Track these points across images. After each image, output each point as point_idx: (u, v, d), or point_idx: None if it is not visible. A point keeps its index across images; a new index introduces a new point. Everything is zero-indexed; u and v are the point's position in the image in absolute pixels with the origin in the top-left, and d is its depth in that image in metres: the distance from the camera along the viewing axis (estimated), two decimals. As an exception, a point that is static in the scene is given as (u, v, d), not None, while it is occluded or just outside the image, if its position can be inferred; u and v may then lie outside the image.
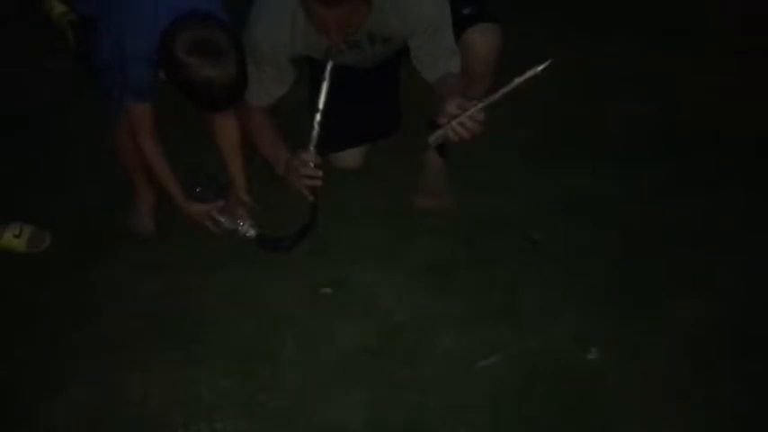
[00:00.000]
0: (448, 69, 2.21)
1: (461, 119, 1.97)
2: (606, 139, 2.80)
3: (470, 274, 2.39)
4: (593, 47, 3.13)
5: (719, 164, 2.70)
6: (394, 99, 2.61)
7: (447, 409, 2.08)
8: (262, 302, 2.33)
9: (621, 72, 3.08)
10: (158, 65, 2.05)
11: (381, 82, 2.52)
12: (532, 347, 2.19)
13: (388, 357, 2.19)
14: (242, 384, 2.13)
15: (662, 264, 2.41)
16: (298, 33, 2.13)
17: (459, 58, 2.22)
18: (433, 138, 2.07)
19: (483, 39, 2.26)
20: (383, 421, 2.05)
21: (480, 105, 1.96)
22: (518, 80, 1.89)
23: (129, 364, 2.17)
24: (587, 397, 2.08)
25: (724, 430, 2.01)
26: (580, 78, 2.99)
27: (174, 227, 2.48)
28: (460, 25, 2.23)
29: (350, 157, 2.62)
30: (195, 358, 2.18)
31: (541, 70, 1.85)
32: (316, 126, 2.14)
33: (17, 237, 2.45)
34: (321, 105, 2.11)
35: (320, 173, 2.18)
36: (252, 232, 2.36)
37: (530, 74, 1.86)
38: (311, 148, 2.16)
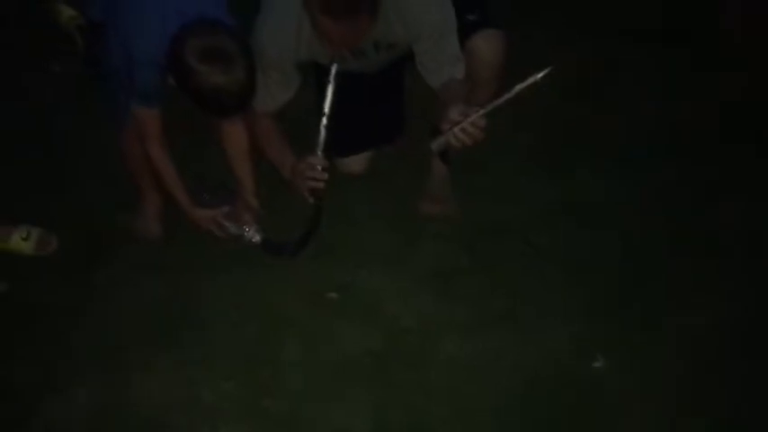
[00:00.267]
0: (452, 75, 2.22)
1: (463, 125, 1.98)
2: (607, 143, 2.80)
3: (474, 280, 2.39)
4: (593, 49, 3.13)
5: (721, 165, 2.70)
6: (399, 104, 2.62)
7: (450, 413, 2.08)
8: (266, 306, 2.34)
9: (622, 74, 3.08)
10: (167, 71, 2.06)
11: (386, 87, 2.52)
12: (535, 353, 2.19)
13: (392, 361, 2.19)
14: (245, 387, 2.13)
15: (665, 269, 2.41)
16: (303, 40, 2.14)
17: (464, 64, 2.23)
18: (436, 144, 2.08)
19: (488, 44, 2.26)
20: (387, 425, 2.06)
21: (481, 112, 1.98)
22: (519, 87, 1.90)
23: (132, 366, 2.18)
24: (590, 403, 2.08)
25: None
26: (581, 82, 2.99)
27: (179, 230, 2.48)
28: (465, 31, 2.23)
29: (355, 163, 2.63)
30: (198, 360, 2.19)
31: (542, 77, 1.86)
32: (322, 130, 2.15)
33: (25, 240, 2.46)
34: (327, 110, 2.12)
35: (326, 176, 2.19)
36: (257, 237, 2.37)
37: (530, 80, 1.87)
38: (318, 153, 2.17)
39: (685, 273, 2.38)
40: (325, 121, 2.13)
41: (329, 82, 2.10)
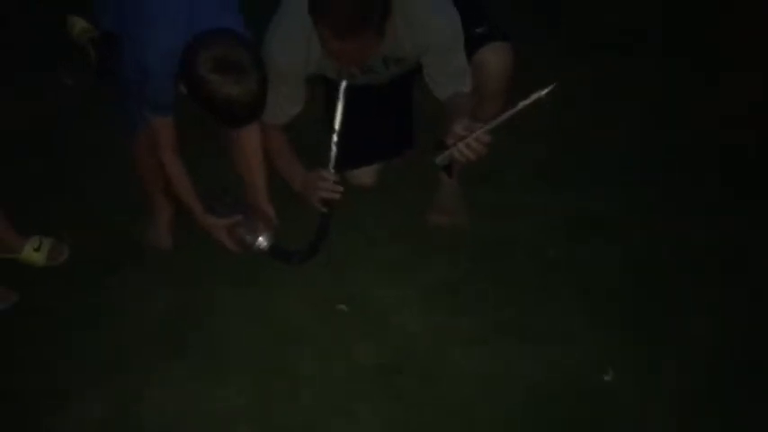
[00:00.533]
0: (459, 88, 2.23)
1: (468, 140, 1.99)
2: (615, 158, 2.81)
3: (482, 292, 2.40)
4: (601, 64, 3.13)
5: (722, 177, 2.71)
6: (408, 117, 2.63)
7: (460, 427, 2.09)
8: (276, 318, 2.35)
9: (629, 90, 3.08)
10: (180, 80, 2.06)
11: (395, 100, 2.53)
12: (545, 366, 2.19)
13: (402, 375, 2.20)
14: (256, 400, 2.14)
15: (673, 283, 2.41)
16: (312, 54, 2.15)
17: (471, 78, 2.24)
18: (440, 158, 2.10)
19: (495, 57, 2.27)
20: (398, 439, 2.07)
21: (486, 128, 1.99)
22: (523, 103, 1.91)
23: (143, 377, 2.18)
24: (602, 417, 2.09)
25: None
26: (588, 96, 3.00)
27: (190, 240, 2.49)
28: (473, 44, 2.24)
29: (364, 175, 2.64)
30: (209, 373, 2.20)
31: (546, 94, 1.87)
32: (333, 147, 2.16)
33: (37, 250, 2.47)
34: (337, 126, 2.13)
35: (340, 188, 2.21)
36: (266, 244, 2.37)
37: (534, 97, 1.88)
38: (330, 168, 2.18)
39: (689, 285, 2.39)
40: (335, 137, 2.15)
41: (339, 98, 2.12)
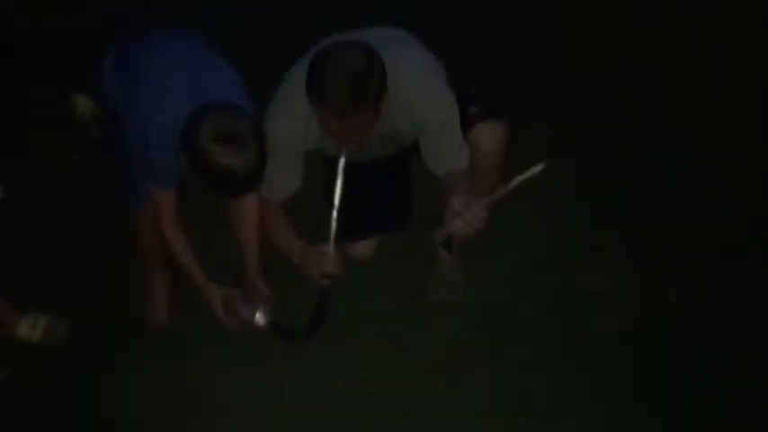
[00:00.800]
0: (456, 165, 2.26)
1: (465, 216, 2.01)
2: (614, 233, 2.81)
3: (484, 370, 2.39)
4: (599, 137, 3.17)
5: (720, 255, 2.71)
6: (406, 191, 2.64)
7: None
8: (274, 397, 2.34)
9: (626, 163, 3.12)
10: (180, 151, 2.08)
11: (393, 175, 2.55)
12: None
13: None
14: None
15: (673, 357, 2.41)
16: (312, 131, 2.18)
17: (468, 155, 2.27)
18: (438, 234, 2.11)
19: (489, 136, 2.30)
20: None
21: (483, 203, 2.01)
22: (518, 179, 1.94)
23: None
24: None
25: None
26: (587, 171, 3.03)
27: (189, 315, 2.49)
28: (467, 123, 2.28)
29: (362, 248, 2.64)
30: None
31: (540, 170, 1.90)
32: (332, 223, 2.17)
33: (33, 327, 2.46)
34: (336, 202, 2.15)
35: (341, 263, 2.22)
36: (263, 320, 2.36)
37: (528, 173, 1.92)
38: (329, 243, 2.20)
39: (700, 366, 2.38)
40: (335, 213, 2.16)
41: (338, 175, 2.14)
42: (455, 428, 2.22)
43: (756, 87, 3.24)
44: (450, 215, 2.04)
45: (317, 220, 2.27)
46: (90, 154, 2.77)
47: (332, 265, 2.21)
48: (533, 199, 2.44)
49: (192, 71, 2.14)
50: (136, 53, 2.24)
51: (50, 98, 3.09)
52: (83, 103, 2.66)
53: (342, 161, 2.14)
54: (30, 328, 2.46)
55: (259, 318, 2.35)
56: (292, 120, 2.18)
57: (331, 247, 2.20)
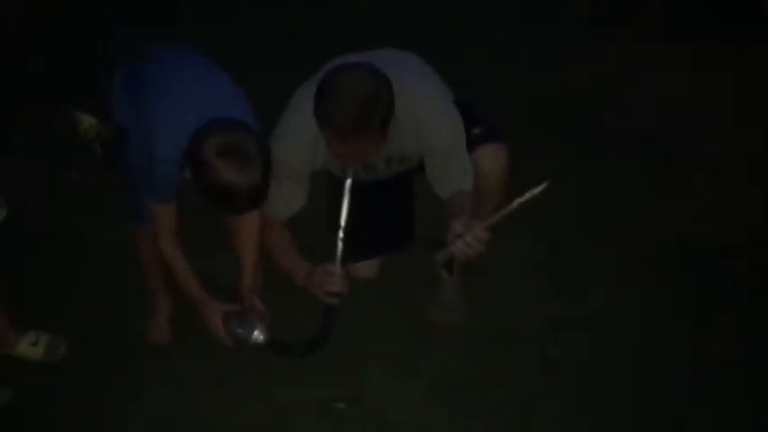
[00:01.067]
0: (461, 186, 2.26)
1: (466, 238, 2.01)
2: (614, 257, 2.82)
3: (486, 392, 2.39)
4: (600, 164, 3.19)
5: (723, 280, 2.71)
6: (409, 211, 2.65)
7: None
8: (275, 417, 2.33)
9: (625, 184, 3.14)
10: (184, 166, 2.08)
11: (397, 194, 2.56)
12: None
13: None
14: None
15: (673, 383, 2.40)
16: (319, 151, 2.19)
17: (472, 178, 2.28)
18: (440, 255, 2.11)
19: (491, 158, 2.31)
20: None
21: (484, 225, 2.01)
22: (519, 201, 1.94)
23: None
24: None
25: None
26: (587, 195, 3.04)
27: (189, 336, 2.48)
28: (470, 144, 2.29)
29: (365, 268, 2.64)
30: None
31: (540, 191, 1.90)
32: (339, 243, 2.18)
33: (34, 345, 2.46)
34: (343, 222, 2.16)
35: (346, 286, 2.22)
36: (262, 338, 2.34)
37: (529, 195, 1.92)
38: (336, 264, 2.20)
39: (704, 391, 2.38)
40: (341, 233, 2.17)
41: (344, 195, 2.14)
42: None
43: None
44: (451, 237, 2.05)
45: (320, 237, 2.27)
46: (90, 171, 2.77)
47: (339, 284, 2.21)
48: (533, 221, 2.45)
49: (198, 87, 2.16)
50: (144, 70, 2.26)
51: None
52: (86, 121, 2.67)
53: (348, 182, 2.15)
54: (30, 346, 2.46)
55: (257, 335, 2.35)
56: (300, 140, 2.18)
57: (338, 267, 2.21)
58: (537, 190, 1.90)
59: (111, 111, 2.36)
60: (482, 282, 2.68)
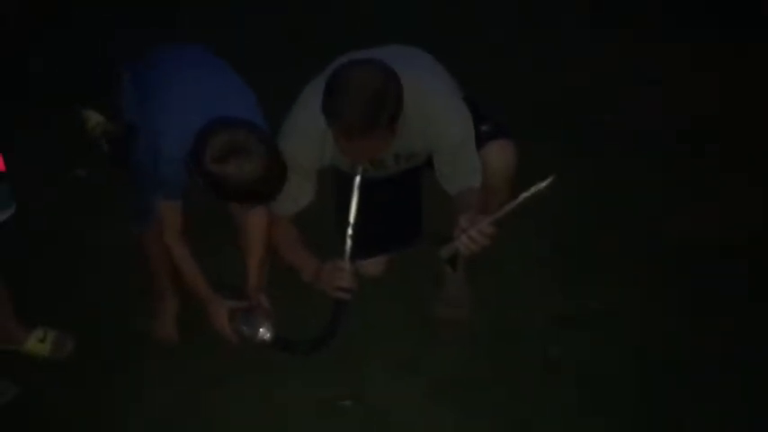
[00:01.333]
0: (469, 184, 2.26)
1: (470, 233, 2.01)
2: (616, 255, 2.82)
3: (490, 390, 2.39)
4: (603, 162, 3.19)
5: (724, 280, 2.71)
6: (416, 208, 2.66)
7: None
8: (279, 415, 2.32)
9: (627, 181, 3.14)
10: (190, 167, 2.09)
11: (404, 191, 2.56)
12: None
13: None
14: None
15: (680, 385, 2.40)
16: (327, 147, 2.19)
17: (481, 175, 2.28)
18: (444, 251, 2.11)
19: (499, 154, 2.31)
20: None
21: (489, 220, 2.01)
22: (524, 195, 1.93)
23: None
24: None
25: None
26: (589, 193, 3.05)
27: (195, 335, 2.48)
28: (478, 141, 2.29)
29: (372, 265, 2.64)
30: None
31: (545, 186, 1.90)
32: (348, 240, 2.18)
33: (41, 341, 2.46)
34: (352, 219, 2.16)
35: (356, 281, 2.23)
36: (268, 335, 2.34)
37: (534, 189, 1.91)
38: (345, 260, 2.21)
39: (705, 390, 2.38)
40: (350, 230, 2.17)
41: (353, 192, 2.15)
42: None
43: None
44: (456, 232, 2.05)
45: (327, 235, 2.28)
46: (95, 168, 2.78)
47: (348, 279, 2.22)
48: (537, 217, 2.45)
49: (198, 87, 2.17)
50: (151, 68, 2.27)
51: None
52: (93, 118, 2.68)
53: (357, 179, 2.15)
54: (38, 343, 2.46)
55: (263, 333, 2.35)
56: (308, 136, 2.19)
57: (347, 263, 2.21)
58: (543, 185, 1.90)
59: (121, 109, 2.37)
60: (485, 278, 2.68)
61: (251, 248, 2.35)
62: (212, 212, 2.44)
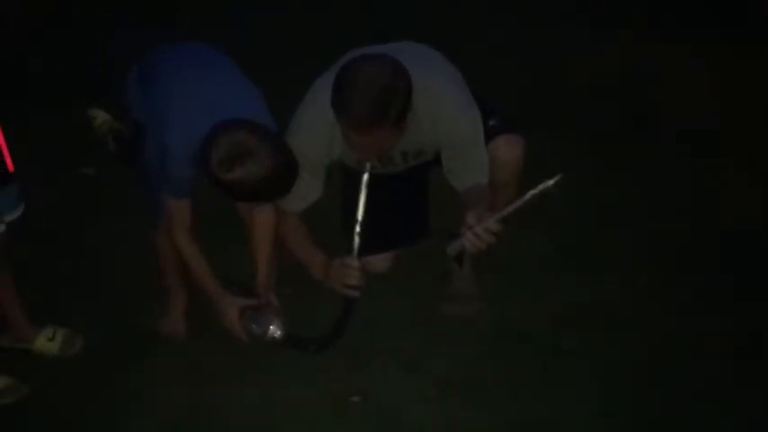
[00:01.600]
0: (476, 181, 2.26)
1: (477, 230, 2.01)
2: (627, 250, 2.83)
3: (499, 386, 2.39)
4: (606, 152, 3.19)
5: (735, 275, 2.72)
6: (423, 205, 2.66)
7: None
8: (289, 409, 2.33)
9: (640, 185, 3.14)
10: (197, 165, 2.10)
11: (412, 188, 2.56)
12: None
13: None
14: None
15: (690, 379, 2.40)
16: (336, 143, 2.19)
17: (488, 170, 2.28)
18: (451, 247, 2.11)
19: (508, 149, 2.32)
20: None
21: (495, 217, 2.01)
22: (531, 193, 1.93)
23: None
24: None
25: None
26: (598, 190, 3.05)
27: (204, 328, 2.48)
28: (487, 135, 2.29)
29: (379, 262, 2.63)
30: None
31: (553, 184, 1.90)
32: (356, 237, 2.19)
33: (51, 340, 2.46)
34: (360, 216, 2.17)
35: (364, 278, 2.23)
36: (279, 333, 2.34)
37: (542, 187, 1.91)
38: (354, 256, 2.21)
39: (712, 384, 2.38)
40: (358, 227, 2.18)
41: (361, 189, 2.15)
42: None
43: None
44: (463, 229, 2.05)
45: (334, 234, 2.28)
46: (102, 166, 2.78)
47: (357, 276, 2.22)
48: (544, 214, 2.44)
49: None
50: (159, 67, 2.28)
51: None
52: (100, 117, 2.68)
53: (366, 176, 2.15)
54: (47, 341, 2.46)
55: (273, 331, 2.34)
56: (316, 131, 2.19)
57: (355, 260, 2.21)
58: (550, 182, 1.90)
59: (128, 108, 2.38)
60: (496, 274, 2.68)
61: (258, 246, 2.36)
62: (220, 211, 2.44)
